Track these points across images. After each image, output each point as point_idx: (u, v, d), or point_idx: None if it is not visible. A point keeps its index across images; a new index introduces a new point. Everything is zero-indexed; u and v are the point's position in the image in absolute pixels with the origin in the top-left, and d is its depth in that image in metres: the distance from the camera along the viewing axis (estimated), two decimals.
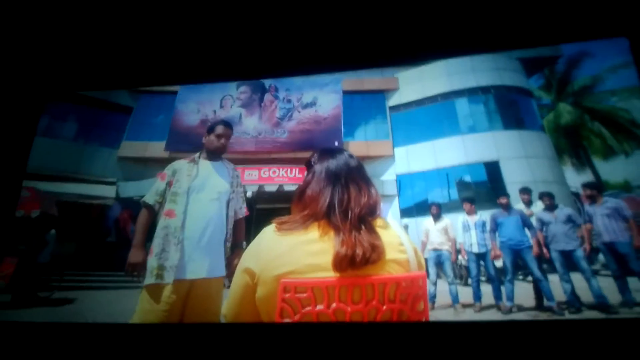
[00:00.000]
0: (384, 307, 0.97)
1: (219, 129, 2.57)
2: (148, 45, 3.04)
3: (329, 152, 1.20)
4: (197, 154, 2.50)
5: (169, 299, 2.13)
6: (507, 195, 4.19)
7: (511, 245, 3.98)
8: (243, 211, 2.52)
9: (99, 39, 3.07)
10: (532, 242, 3.94)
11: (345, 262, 0.96)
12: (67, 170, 6.36)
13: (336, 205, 1.06)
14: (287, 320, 0.98)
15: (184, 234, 2.23)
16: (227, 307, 1.10)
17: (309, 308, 0.96)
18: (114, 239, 6.19)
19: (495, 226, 4.11)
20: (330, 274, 0.96)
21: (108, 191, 6.64)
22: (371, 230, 1.02)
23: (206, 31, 2.99)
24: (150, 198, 2.33)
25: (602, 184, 6.63)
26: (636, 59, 2.47)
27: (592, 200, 3.82)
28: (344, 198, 1.07)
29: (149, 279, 2.13)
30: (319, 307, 0.95)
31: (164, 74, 3.21)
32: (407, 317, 1.02)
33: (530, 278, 4.06)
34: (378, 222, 1.06)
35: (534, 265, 3.87)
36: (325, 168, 1.13)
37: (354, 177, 1.10)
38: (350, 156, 1.18)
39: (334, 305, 0.96)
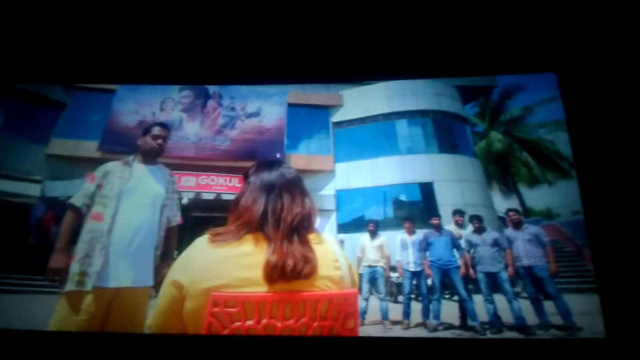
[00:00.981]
0: (315, 324, 0.96)
1: (156, 130, 2.50)
2: (88, 40, 2.99)
3: (267, 164, 1.25)
4: (132, 157, 2.41)
5: (89, 308, 2.05)
6: (439, 216, 4.39)
7: (440, 264, 4.14)
8: (177, 219, 2.44)
9: (36, 29, 2.99)
10: (459, 262, 4.11)
11: (275, 273, 0.98)
12: None
13: (269, 215, 1.08)
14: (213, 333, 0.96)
15: (110, 239, 2.15)
16: (152, 318, 1.09)
17: (238, 323, 0.93)
18: (36, 240, 5.89)
19: (427, 245, 4.27)
20: (262, 289, 0.98)
21: (32, 189, 6.32)
22: (304, 242, 1.05)
23: (152, 31, 2.98)
24: (77, 200, 2.23)
25: (526, 211, 7.09)
26: (563, 93, 2.71)
27: (515, 225, 4.05)
28: (276, 207, 1.09)
29: (70, 285, 2.04)
30: (249, 322, 0.94)
31: (103, 71, 3.15)
32: (337, 334, 1.05)
33: (456, 297, 4.21)
34: (313, 237, 1.09)
35: (460, 285, 4.04)
36: (261, 179, 1.17)
37: (288, 188, 1.14)
38: (288, 168, 1.24)
39: (264, 321, 0.94)
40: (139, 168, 2.39)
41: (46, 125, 6.85)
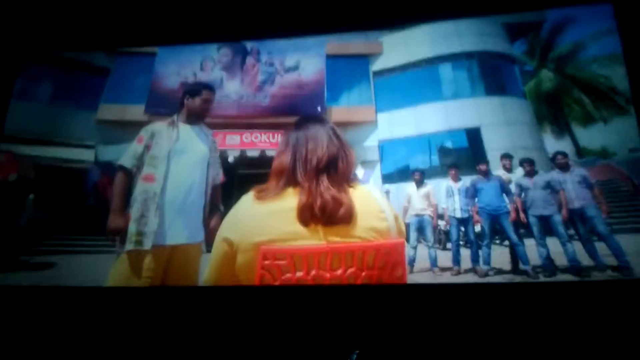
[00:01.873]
0: (363, 274, 1.07)
1: (206, 94, 2.57)
2: (126, 4, 3.04)
3: (301, 120, 1.30)
4: (175, 117, 2.46)
5: (149, 265, 2.19)
6: (486, 161, 4.35)
7: (489, 210, 4.16)
8: (220, 177, 2.54)
9: None
10: (509, 207, 4.11)
11: (305, 213, 1.04)
12: (44, 133, 6.32)
13: (297, 163, 1.15)
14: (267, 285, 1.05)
15: (163, 199, 2.26)
16: (208, 273, 1.18)
17: (288, 275, 1.05)
18: (93, 202, 6.24)
19: (475, 192, 4.26)
20: (310, 241, 1.04)
21: (86, 154, 6.64)
22: (337, 185, 1.10)
23: None
24: (127, 161, 2.32)
25: (580, 151, 6.86)
26: (620, 26, 2.58)
27: (563, 168, 4.00)
28: (301, 153, 1.15)
29: (128, 245, 2.17)
30: (299, 274, 1.04)
31: (142, 34, 3.21)
32: (386, 282, 1.10)
33: (507, 243, 4.20)
34: (358, 189, 1.15)
35: (510, 230, 4.06)
36: (290, 134, 1.23)
37: (312, 135, 1.19)
38: (320, 119, 1.28)
39: (313, 272, 1.05)
40: (184, 128, 2.46)
41: (93, 92, 7.04)
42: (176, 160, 2.36)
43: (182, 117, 2.47)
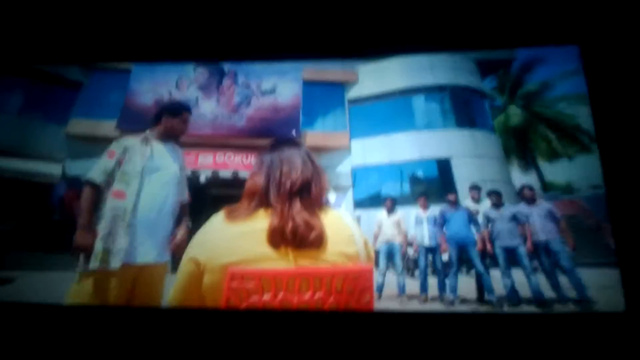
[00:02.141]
0: (331, 299, 1.02)
1: (186, 115, 2.55)
2: (102, 18, 3.04)
3: (277, 141, 1.32)
4: (148, 133, 2.43)
5: (115, 284, 2.12)
6: (455, 192, 4.43)
7: (457, 239, 4.20)
8: (186, 196, 2.52)
9: (50, 8, 3.05)
10: (476, 237, 4.17)
11: (276, 236, 1.04)
12: (10, 145, 6.18)
13: (270, 185, 1.16)
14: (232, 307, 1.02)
15: (134, 216, 2.21)
16: (173, 293, 1.16)
17: (255, 297, 1.00)
18: (59, 217, 6.09)
19: (443, 221, 4.32)
20: (278, 263, 1.05)
21: (53, 169, 6.50)
22: (309, 209, 1.10)
23: (165, 7, 3.02)
24: (97, 176, 2.24)
25: (545, 185, 7.11)
26: (585, 66, 2.69)
27: (529, 201, 4.09)
28: (276, 175, 1.17)
29: (94, 263, 2.10)
30: (266, 296, 1.00)
31: (118, 49, 3.21)
32: (353, 308, 1.11)
33: (473, 272, 4.28)
34: (329, 214, 1.15)
35: (477, 260, 4.11)
36: (265, 155, 1.25)
37: (288, 158, 1.20)
38: (294, 143, 1.30)
39: (280, 295, 0.98)
40: (158, 146, 2.41)
41: (65, 106, 6.98)
42: (148, 178, 2.30)
43: (156, 134, 2.41)
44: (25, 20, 3.04)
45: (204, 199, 6.86)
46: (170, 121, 2.49)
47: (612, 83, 2.61)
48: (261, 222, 1.06)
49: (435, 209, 4.58)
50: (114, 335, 2.20)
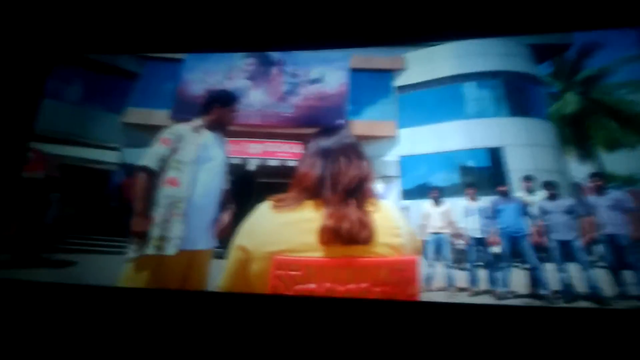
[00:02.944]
0: (376, 289, 1.07)
1: (235, 106, 2.63)
2: (157, 10, 3.16)
3: (325, 130, 1.33)
4: (199, 122, 2.50)
5: (169, 269, 2.22)
6: (507, 182, 4.34)
7: (509, 232, 4.14)
8: (226, 183, 2.59)
9: (108, 1, 3.20)
10: (530, 230, 4.09)
11: (331, 236, 1.06)
12: (71, 133, 6.52)
13: (326, 179, 1.17)
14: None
15: (189, 204, 2.29)
16: (223, 279, 1.22)
17: (301, 286, 1.05)
18: (117, 204, 6.38)
19: (495, 213, 4.25)
20: (323, 254, 1.08)
21: (111, 156, 6.81)
22: (362, 206, 1.11)
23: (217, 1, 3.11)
24: (152, 162, 2.30)
25: (607, 176, 6.81)
26: None
27: (598, 191, 3.93)
28: (333, 171, 1.17)
29: (151, 250, 2.19)
30: (311, 285, 1.04)
31: (172, 40, 3.33)
32: (398, 299, 1.12)
33: (526, 265, 4.21)
34: (374, 204, 1.17)
35: (530, 253, 4.03)
36: (318, 145, 1.25)
37: (345, 152, 1.20)
38: (346, 133, 1.31)
39: (326, 284, 1.05)
40: (208, 135, 2.48)
41: (121, 95, 7.26)
42: (202, 167, 2.39)
43: (206, 123, 2.48)
44: (82, 12, 3.21)
45: (252, 187, 7.01)
46: (221, 111, 2.56)
47: None
48: (309, 213, 1.09)
49: (484, 200, 4.51)
50: (166, 317, 2.31)
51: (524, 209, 4.17)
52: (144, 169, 2.34)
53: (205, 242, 2.38)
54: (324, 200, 1.13)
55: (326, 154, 1.23)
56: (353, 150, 1.24)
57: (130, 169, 6.64)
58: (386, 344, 2.15)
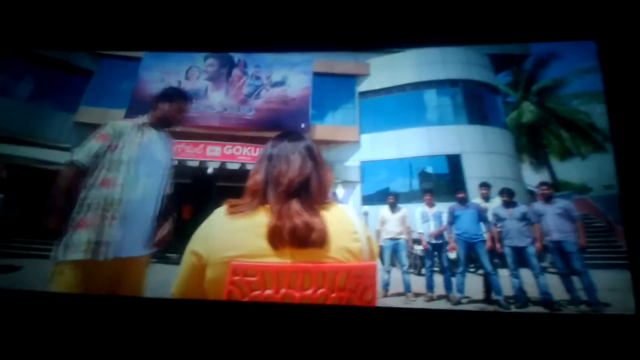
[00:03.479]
0: (333, 295, 1.04)
1: (186, 105, 2.49)
2: (114, 5, 3.06)
3: (280, 136, 1.32)
4: (143, 118, 2.34)
5: (99, 274, 2.08)
6: (465, 188, 4.41)
7: (466, 238, 4.20)
8: (170, 187, 2.43)
9: None
10: (486, 236, 4.16)
11: (276, 238, 1.07)
12: (19, 132, 6.25)
13: (268, 182, 1.17)
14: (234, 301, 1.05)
15: (125, 208, 2.14)
16: (176, 285, 1.18)
17: (257, 292, 1.02)
18: (67, 206, 6.12)
19: (453, 219, 4.31)
20: (280, 259, 1.06)
21: (61, 156, 6.55)
22: (309, 208, 1.11)
23: None
24: (84, 158, 2.12)
25: (557, 184, 7.07)
26: (602, 63, 2.66)
27: (546, 199, 4.05)
28: (274, 173, 1.18)
29: (78, 254, 2.03)
30: (268, 291, 1.00)
31: (129, 37, 3.22)
32: (355, 305, 1.12)
33: (481, 271, 4.29)
34: (332, 209, 1.16)
35: (485, 259, 4.10)
36: (266, 149, 1.26)
37: (288, 155, 1.20)
38: (297, 137, 1.30)
39: (282, 290, 1.02)
40: (151, 133, 2.31)
41: (74, 93, 7.04)
42: (138, 167, 2.23)
43: (150, 120, 2.33)
44: (35, 4, 3.08)
45: (211, 191, 6.90)
46: (166, 107, 2.38)
47: (630, 81, 2.59)
48: (262, 217, 1.07)
49: (441, 206, 4.58)
50: (114, 324, 2.23)
51: (480, 215, 4.23)
52: (72, 163, 2.15)
53: (141, 249, 2.22)
54: (270, 204, 1.12)
55: (270, 158, 1.21)
56: (298, 152, 1.22)
57: None
58: (343, 350, 2.14)
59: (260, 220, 1.07)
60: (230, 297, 1.05)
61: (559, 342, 2.09)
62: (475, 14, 2.93)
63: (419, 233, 4.60)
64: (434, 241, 4.47)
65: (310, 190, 1.15)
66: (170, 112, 2.39)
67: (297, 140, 1.27)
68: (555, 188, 7.11)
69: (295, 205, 1.09)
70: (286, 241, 1.04)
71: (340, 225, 1.12)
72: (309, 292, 1.04)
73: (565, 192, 6.88)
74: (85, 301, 2.21)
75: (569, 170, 7.34)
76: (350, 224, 1.13)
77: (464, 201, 4.36)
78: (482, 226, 4.25)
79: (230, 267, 1.04)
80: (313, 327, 2.07)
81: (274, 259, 1.05)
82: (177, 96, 2.47)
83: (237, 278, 1.03)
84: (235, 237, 1.07)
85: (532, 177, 7.14)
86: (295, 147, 1.22)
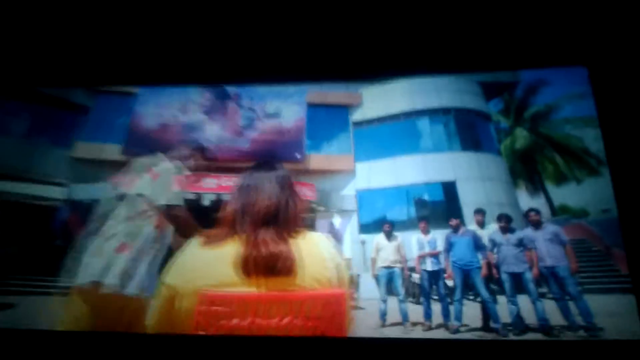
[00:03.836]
0: (300, 323, 1.05)
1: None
2: (108, 42, 3.14)
3: (254, 166, 1.36)
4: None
5: (112, 308, 2.11)
6: (460, 215, 4.41)
7: (461, 265, 4.18)
8: None
9: (57, 33, 3.16)
10: (481, 263, 4.14)
11: (244, 265, 1.08)
12: (15, 168, 6.27)
13: (238, 211, 1.19)
14: (202, 333, 1.04)
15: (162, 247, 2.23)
16: (150, 318, 1.20)
17: (224, 322, 1.03)
18: (62, 242, 6.11)
19: (449, 246, 4.30)
20: (249, 288, 1.07)
21: (57, 192, 6.58)
22: (279, 238, 1.13)
23: (170, 32, 3.11)
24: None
25: (554, 209, 7.08)
26: (594, 89, 2.70)
27: (535, 225, 4.07)
28: (246, 202, 1.20)
29: (108, 280, 2.07)
30: (235, 321, 1.02)
31: (124, 73, 3.30)
32: (325, 334, 1.13)
33: (479, 299, 4.25)
34: (305, 237, 1.18)
35: (482, 287, 4.08)
36: (243, 179, 1.29)
37: (259, 184, 1.23)
38: (272, 167, 1.33)
39: (249, 319, 1.03)
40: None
41: (70, 129, 7.11)
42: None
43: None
44: (30, 43, 3.15)
45: (208, 223, 6.85)
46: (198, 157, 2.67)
47: (622, 105, 2.63)
48: (232, 247, 1.09)
49: (436, 233, 4.57)
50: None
51: (476, 242, 4.21)
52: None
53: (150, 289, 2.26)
54: (240, 233, 1.14)
55: (243, 188, 1.25)
56: (268, 181, 1.26)
57: (76, 206, 6.43)
58: None
59: (230, 250, 1.09)
60: (198, 327, 1.05)
61: None
62: (465, 42, 3.00)
63: (414, 260, 4.59)
64: (429, 268, 4.45)
65: (280, 218, 1.18)
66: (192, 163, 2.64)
67: (270, 169, 1.30)
68: (552, 213, 7.13)
69: (264, 234, 1.12)
70: (253, 270, 1.06)
71: (310, 254, 1.14)
72: (275, 320, 1.04)
73: (563, 217, 6.87)
74: (74, 338, 2.21)
75: (566, 195, 7.34)
76: (320, 252, 1.16)
77: (457, 228, 4.35)
78: (479, 254, 4.23)
79: (198, 297, 1.04)
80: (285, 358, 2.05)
81: (241, 288, 1.06)
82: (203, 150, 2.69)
83: (204, 307, 1.04)
84: (204, 266, 1.09)
85: (529, 203, 7.14)
86: (268, 177, 1.26)
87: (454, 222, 4.42)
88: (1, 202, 5.66)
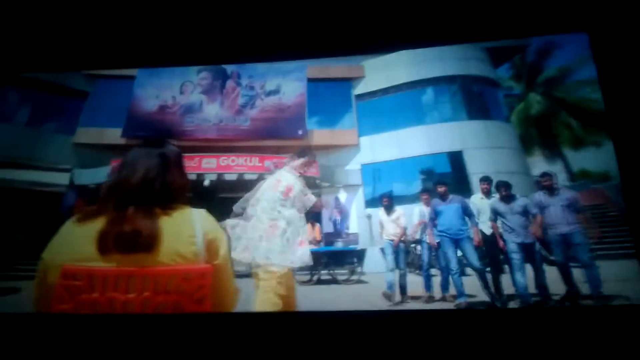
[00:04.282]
0: (159, 298, 1.07)
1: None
2: (105, 24, 3.15)
3: (143, 142, 1.34)
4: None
5: None
6: (445, 183, 4.17)
7: (451, 235, 3.96)
8: None
9: (53, 17, 3.18)
10: (471, 231, 3.95)
11: (101, 242, 1.07)
12: (19, 156, 6.47)
13: (114, 187, 1.19)
14: (63, 306, 1.07)
15: None
16: (33, 293, 1.22)
17: (85, 295, 1.05)
18: None
19: (435, 214, 4.11)
20: (108, 264, 1.06)
21: (61, 178, 6.75)
22: (147, 215, 1.12)
23: (167, 12, 3.09)
24: None
25: (572, 174, 6.80)
26: (595, 55, 2.61)
27: (550, 190, 3.84)
28: (121, 179, 1.19)
29: None
30: (94, 294, 1.04)
31: (122, 55, 3.31)
32: (185, 309, 1.11)
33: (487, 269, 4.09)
34: (177, 213, 1.16)
35: (472, 256, 3.87)
36: (124, 157, 1.27)
37: (134, 160, 1.22)
38: (157, 144, 1.31)
39: (108, 294, 1.05)
40: None
41: (71, 115, 7.30)
42: None
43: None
44: (27, 29, 3.19)
45: (212, 203, 6.91)
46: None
47: (623, 70, 2.52)
48: (100, 224, 1.09)
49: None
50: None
51: (465, 210, 4.02)
52: None
53: None
54: (111, 209, 1.13)
55: (122, 166, 1.24)
56: (149, 158, 1.23)
57: (82, 191, 6.60)
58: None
59: (97, 226, 1.09)
60: (60, 300, 1.06)
61: (564, 334, 2.02)
62: (467, 12, 2.90)
63: (413, 231, 4.50)
64: (428, 240, 4.31)
65: (152, 194, 1.16)
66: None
67: (154, 147, 1.29)
68: (570, 178, 6.84)
69: (130, 211, 1.12)
70: (112, 247, 1.05)
71: (178, 230, 1.14)
72: (132, 295, 1.06)
73: (581, 181, 6.59)
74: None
75: (585, 160, 7.02)
76: (191, 228, 1.15)
77: (444, 196, 4.13)
78: (468, 221, 4.03)
79: (61, 271, 1.06)
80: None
81: (101, 264, 1.07)
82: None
83: (66, 281, 1.05)
84: (72, 242, 1.10)
85: (546, 169, 6.86)
86: (148, 153, 1.25)
87: (441, 188, 4.19)
88: (7, 190, 5.86)
